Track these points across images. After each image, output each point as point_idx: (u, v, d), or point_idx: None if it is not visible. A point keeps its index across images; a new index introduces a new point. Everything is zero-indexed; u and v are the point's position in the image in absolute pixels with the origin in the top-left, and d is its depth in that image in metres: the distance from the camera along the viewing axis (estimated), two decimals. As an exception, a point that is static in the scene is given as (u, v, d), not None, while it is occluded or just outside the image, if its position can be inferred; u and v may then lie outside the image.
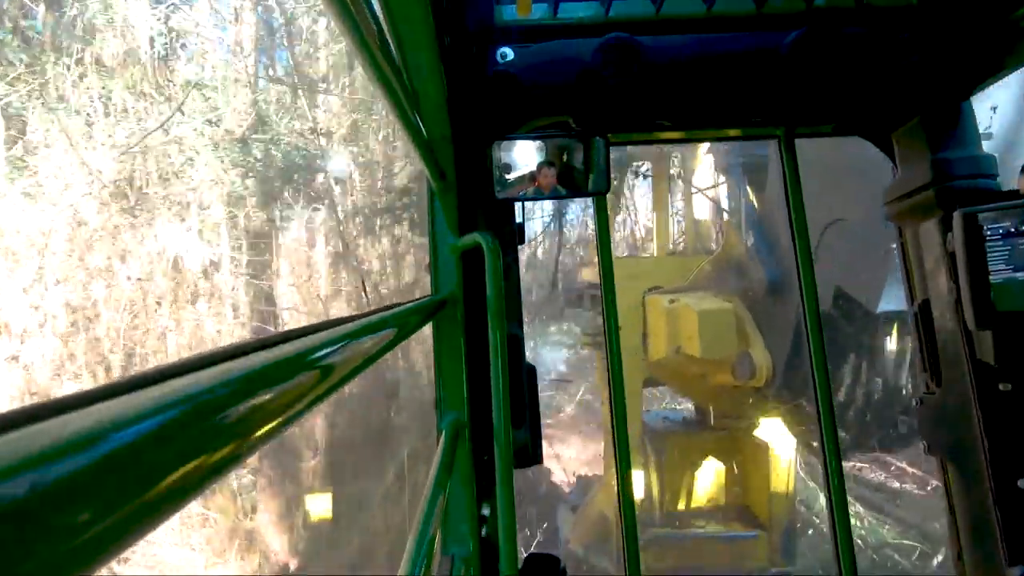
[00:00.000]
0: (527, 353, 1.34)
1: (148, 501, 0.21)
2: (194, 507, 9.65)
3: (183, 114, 10.46)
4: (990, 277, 1.11)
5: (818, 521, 9.94)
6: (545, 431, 1.43)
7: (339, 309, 11.50)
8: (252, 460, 9.68)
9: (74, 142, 9.58)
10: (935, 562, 9.18)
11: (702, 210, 9.87)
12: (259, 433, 0.29)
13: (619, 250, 13.13)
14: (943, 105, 1.24)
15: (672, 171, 10.26)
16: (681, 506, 9.33)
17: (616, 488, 1.30)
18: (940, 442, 1.31)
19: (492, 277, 1.07)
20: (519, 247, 1.37)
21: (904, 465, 11.14)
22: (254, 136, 11.02)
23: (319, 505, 10.82)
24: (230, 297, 11.22)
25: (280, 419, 0.32)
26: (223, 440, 0.26)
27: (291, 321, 11.45)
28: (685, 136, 1.43)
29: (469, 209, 1.30)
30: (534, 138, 1.26)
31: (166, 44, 10.78)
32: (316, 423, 10.78)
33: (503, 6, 1.25)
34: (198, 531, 10.42)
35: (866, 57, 1.18)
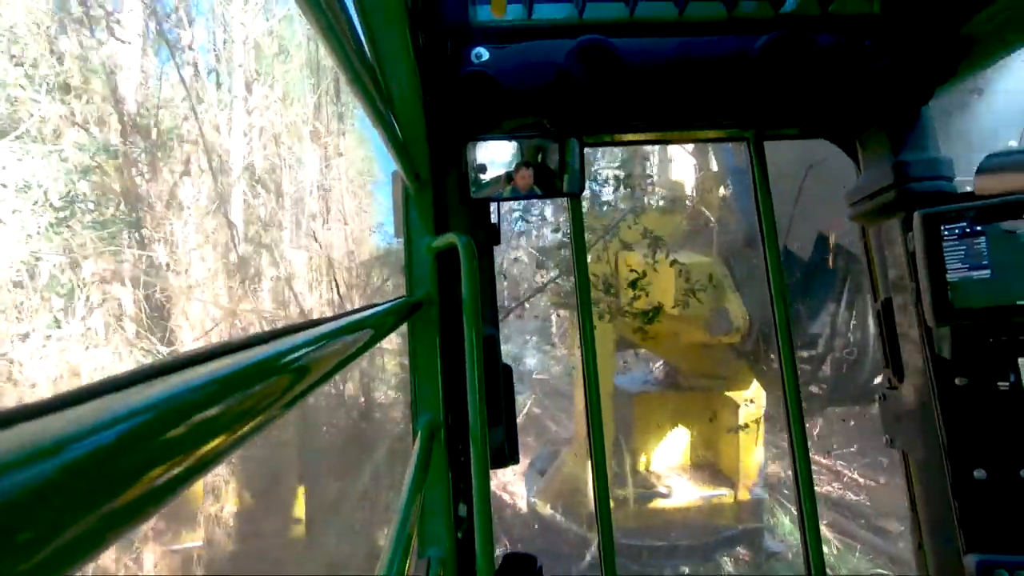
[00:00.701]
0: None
1: (122, 505, 0.21)
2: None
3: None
4: (947, 275, 1.16)
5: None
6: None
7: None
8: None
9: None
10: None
11: (683, 166, 9.58)
12: (237, 434, 0.29)
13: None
14: (905, 110, 1.29)
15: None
16: (653, 466, 9.48)
17: (592, 483, 1.31)
18: (902, 436, 1.35)
19: (468, 278, 1.07)
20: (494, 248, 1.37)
21: (856, 476, 11.46)
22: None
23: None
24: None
25: (258, 419, 0.32)
26: (199, 442, 0.26)
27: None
28: (658, 137, 1.45)
29: (444, 209, 1.30)
30: (509, 139, 1.26)
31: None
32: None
33: (478, 6, 1.25)
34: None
35: (832, 63, 1.22)
